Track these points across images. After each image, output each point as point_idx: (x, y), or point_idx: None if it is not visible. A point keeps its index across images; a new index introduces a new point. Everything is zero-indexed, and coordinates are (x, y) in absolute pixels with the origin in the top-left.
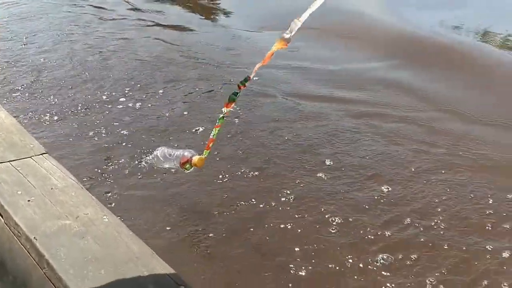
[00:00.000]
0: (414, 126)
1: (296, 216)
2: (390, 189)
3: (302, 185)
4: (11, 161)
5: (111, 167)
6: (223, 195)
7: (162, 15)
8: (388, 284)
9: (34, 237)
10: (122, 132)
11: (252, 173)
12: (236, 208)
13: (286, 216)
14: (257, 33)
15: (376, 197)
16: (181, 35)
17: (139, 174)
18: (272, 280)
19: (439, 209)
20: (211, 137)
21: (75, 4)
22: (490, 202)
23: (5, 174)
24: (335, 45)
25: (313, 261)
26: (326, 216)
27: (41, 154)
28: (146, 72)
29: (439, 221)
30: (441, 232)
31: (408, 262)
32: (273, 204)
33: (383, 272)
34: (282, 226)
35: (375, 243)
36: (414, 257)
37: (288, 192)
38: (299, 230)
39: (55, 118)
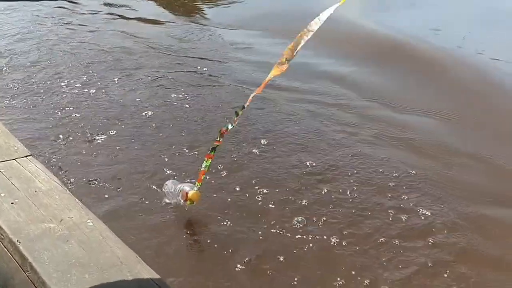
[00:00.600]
0: (344, 112)
1: (228, 186)
2: (314, 163)
3: (236, 159)
4: None
5: (61, 144)
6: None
7: (132, 9)
8: (300, 241)
9: (18, 240)
10: (74, 114)
11: (188, 149)
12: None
13: (218, 187)
14: (228, 30)
15: (300, 169)
16: (146, 28)
17: (83, 151)
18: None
19: (351, 179)
20: (202, 169)
21: None
22: (396, 174)
23: None
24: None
25: (240, 222)
26: (256, 187)
27: (25, 156)
28: (106, 61)
29: (349, 188)
30: (348, 194)
31: (319, 222)
32: (208, 177)
33: (298, 234)
34: (214, 194)
35: (293, 209)
36: (324, 218)
37: (221, 166)
38: (229, 199)
39: (9, 100)
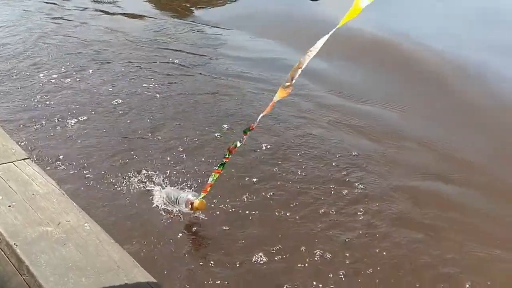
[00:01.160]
0: (304, 101)
1: (186, 164)
2: (269, 146)
3: (196, 141)
4: None
5: (33, 127)
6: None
7: (119, 6)
8: (248, 210)
9: (15, 243)
10: (48, 102)
11: (151, 133)
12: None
13: (177, 159)
14: (211, 27)
15: (256, 151)
16: (129, 23)
17: (52, 133)
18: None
19: (301, 159)
20: (209, 181)
21: None
22: (342, 155)
23: None
24: (263, 40)
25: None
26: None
27: (23, 159)
28: (86, 53)
29: (298, 166)
30: (293, 170)
31: (267, 196)
32: (172, 157)
33: (246, 205)
34: (184, 171)
35: (244, 185)
36: (271, 193)
37: (181, 148)
38: (190, 170)
39: None
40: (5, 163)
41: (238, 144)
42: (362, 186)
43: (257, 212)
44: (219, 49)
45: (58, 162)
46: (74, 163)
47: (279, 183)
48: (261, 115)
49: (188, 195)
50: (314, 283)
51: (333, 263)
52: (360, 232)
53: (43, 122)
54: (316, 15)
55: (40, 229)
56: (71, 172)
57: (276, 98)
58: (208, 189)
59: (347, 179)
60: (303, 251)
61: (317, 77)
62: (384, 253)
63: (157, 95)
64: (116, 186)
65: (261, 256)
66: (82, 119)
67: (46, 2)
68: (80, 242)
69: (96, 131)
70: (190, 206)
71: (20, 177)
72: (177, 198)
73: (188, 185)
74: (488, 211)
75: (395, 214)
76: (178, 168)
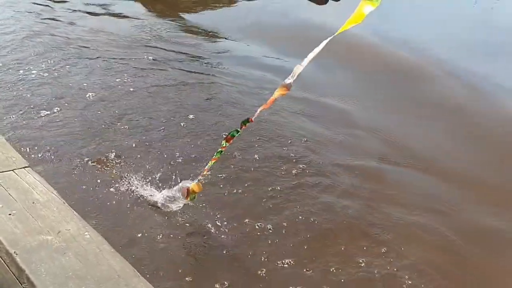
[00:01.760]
0: (268, 93)
1: (152, 150)
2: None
3: (164, 130)
4: None
5: (8, 115)
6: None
7: (109, 8)
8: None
9: (15, 252)
10: (24, 95)
11: (120, 123)
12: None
13: (142, 144)
14: (195, 28)
15: (216, 135)
16: (114, 23)
17: (26, 122)
18: None
19: (257, 144)
20: (206, 167)
21: None
22: (290, 142)
23: None
24: (247, 42)
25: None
26: (175, 145)
27: (23, 167)
28: (67, 51)
29: (252, 146)
30: (248, 151)
31: (223, 174)
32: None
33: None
34: (145, 155)
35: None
36: (235, 169)
37: (145, 137)
38: (151, 153)
39: None
40: (6, 171)
41: (236, 134)
42: (307, 164)
43: (211, 189)
44: (194, 49)
45: (28, 148)
46: (44, 148)
47: (237, 162)
48: (260, 108)
49: (185, 183)
50: (260, 249)
51: (276, 231)
52: (302, 203)
53: (20, 112)
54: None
55: (40, 238)
56: (39, 155)
57: (277, 94)
58: (205, 173)
59: (295, 159)
60: (248, 220)
61: (286, 73)
62: (323, 219)
63: (130, 88)
64: (80, 167)
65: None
66: (56, 110)
67: (38, 4)
68: (80, 251)
69: (67, 121)
70: (186, 193)
71: (20, 185)
72: (174, 191)
73: (149, 165)
74: (420, 188)
75: (337, 188)
76: (142, 151)
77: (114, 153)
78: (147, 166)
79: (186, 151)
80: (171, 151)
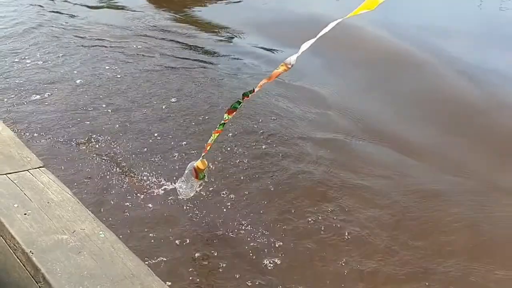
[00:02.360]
0: (250, 78)
1: (132, 126)
2: (208, 105)
3: (144, 111)
4: (8, 173)
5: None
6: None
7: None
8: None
9: (31, 251)
10: (17, 81)
11: (105, 105)
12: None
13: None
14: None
15: (192, 116)
16: (113, 14)
17: (17, 106)
18: None
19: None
20: (209, 141)
21: None
22: (261, 120)
23: (2, 186)
24: (245, 35)
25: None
26: (155, 128)
27: (38, 167)
28: (62, 41)
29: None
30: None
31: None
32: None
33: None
34: (126, 134)
35: (176, 142)
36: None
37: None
38: (134, 133)
39: None
40: (21, 171)
41: (238, 106)
42: (276, 137)
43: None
44: (180, 38)
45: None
46: (34, 129)
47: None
48: (263, 81)
49: (191, 166)
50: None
51: (240, 196)
52: (268, 171)
53: (12, 96)
54: None
55: (55, 237)
56: (29, 136)
57: (280, 69)
58: (208, 148)
59: (266, 133)
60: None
61: (269, 61)
62: (285, 182)
63: (118, 75)
64: (68, 145)
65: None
66: (46, 95)
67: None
68: (95, 250)
69: (56, 104)
70: (195, 174)
71: (35, 185)
72: (186, 176)
73: (131, 144)
74: (375, 158)
75: (300, 156)
76: (123, 131)
77: (95, 133)
78: (124, 143)
79: (165, 131)
80: (149, 130)
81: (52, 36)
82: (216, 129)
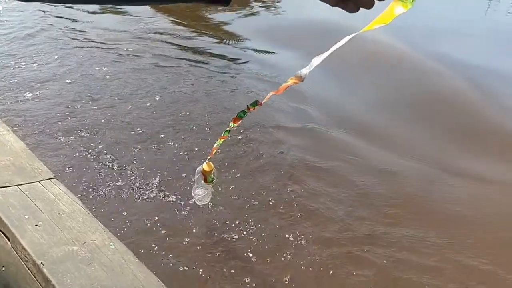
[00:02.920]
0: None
1: (117, 120)
2: (191, 89)
3: (130, 108)
4: (19, 185)
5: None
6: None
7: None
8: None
9: (41, 262)
10: (11, 80)
11: (91, 102)
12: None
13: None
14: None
15: (178, 99)
16: (109, 19)
17: (11, 101)
18: None
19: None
20: (214, 146)
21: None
22: (239, 101)
23: (13, 198)
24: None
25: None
26: (137, 122)
27: (49, 178)
28: (58, 44)
29: (201, 109)
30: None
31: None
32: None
33: (160, 150)
34: (109, 127)
35: (153, 133)
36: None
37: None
38: (117, 126)
39: None
40: (32, 182)
41: (243, 115)
42: (253, 127)
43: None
44: (169, 38)
45: (14, 121)
46: (27, 124)
47: (189, 123)
48: (270, 94)
49: (199, 171)
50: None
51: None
52: (241, 154)
53: (5, 94)
54: None
55: (66, 249)
56: (20, 129)
57: (290, 82)
58: (213, 152)
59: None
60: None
61: (262, 62)
62: (256, 162)
63: (107, 76)
64: (55, 136)
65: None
66: (37, 93)
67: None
68: (106, 261)
69: (46, 101)
70: (204, 177)
71: (46, 196)
72: (197, 180)
73: (111, 136)
74: (340, 144)
75: (273, 143)
76: (105, 124)
77: (84, 128)
78: (106, 136)
79: (148, 126)
80: (132, 126)
81: (51, 39)
82: (222, 135)
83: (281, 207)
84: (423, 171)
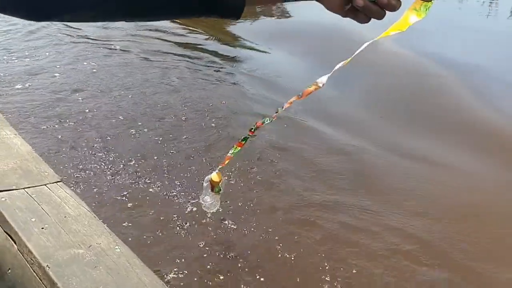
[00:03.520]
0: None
1: (97, 111)
2: (179, 79)
3: (113, 100)
4: (26, 188)
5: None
6: None
7: None
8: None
9: (47, 265)
10: (3, 73)
11: (72, 93)
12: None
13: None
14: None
15: (151, 98)
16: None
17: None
18: None
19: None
20: (229, 154)
21: None
22: (212, 104)
23: (20, 201)
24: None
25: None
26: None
27: (56, 182)
28: (50, 40)
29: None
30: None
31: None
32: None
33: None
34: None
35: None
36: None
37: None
38: (97, 114)
39: None
40: (38, 185)
41: (267, 121)
42: (224, 115)
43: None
44: (160, 34)
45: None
46: (14, 113)
47: (165, 115)
48: (292, 98)
49: (208, 179)
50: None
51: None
52: (214, 136)
53: None
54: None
55: (72, 252)
56: (10, 117)
57: (312, 88)
58: (226, 162)
59: (214, 111)
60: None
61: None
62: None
63: (94, 70)
64: (40, 124)
65: None
66: (27, 84)
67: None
68: (111, 265)
69: (34, 91)
70: (211, 186)
71: (52, 199)
72: (205, 189)
73: (92, 122)
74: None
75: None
76: (84, 115)
77: (61, 116)
78: (85, 125)
79: (127, 113)
80: (115, 115)
81: (47, 35)
82: (239, 141)
83: (245, 181)
84: (374, 152)
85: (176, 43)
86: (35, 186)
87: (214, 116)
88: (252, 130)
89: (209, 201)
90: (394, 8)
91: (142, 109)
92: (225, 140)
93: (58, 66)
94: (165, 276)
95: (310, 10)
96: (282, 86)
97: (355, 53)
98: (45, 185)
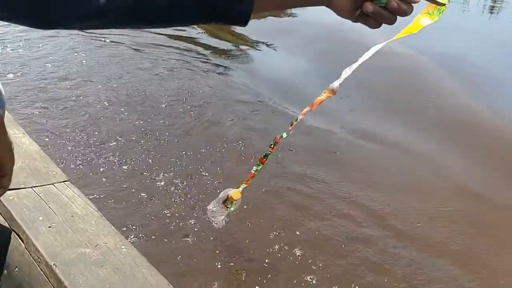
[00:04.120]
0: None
1: (83, 100)
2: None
3: (101, 88)
4: (33, 187)
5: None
6: None
7: None
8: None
9: (54, 264)
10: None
11: (60, 81)
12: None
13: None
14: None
15: (155, 80)
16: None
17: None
18: None
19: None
20: (252, 171)
21: None
22: (190, 93)
23: (28, 200)
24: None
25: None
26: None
27: (63, 181)
28: (44, 33)
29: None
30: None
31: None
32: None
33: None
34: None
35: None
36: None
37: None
38: (83, 100)
39: None
40: (46, 184)
41: (284, 135)
42: (204, 109)
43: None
44: (156, 31)
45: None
46: (18, 96)
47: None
48: (306, 109)
49: (225, 193)
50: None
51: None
52: (193, 124)
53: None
54: None
55: (79, 251)
56: (21, 102)
57: (324, 96)
58: (249, 180)
59: (197, 106)
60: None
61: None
62: (212, 138)
63: (83, 61)
64: (27, 108)
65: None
66: (19, 73)
67: None
68: (117, 264)
69: (25, 80)
70: (225, 199)
71: (60, 198)
72: (218, 201)
73: (76, 110)
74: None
75: (230, 121)
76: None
77: (49, 101)
78: (68, 110)
79: (111, 100)
80: (100, 102)
81: (43, 36)
82: (261, 158)
83: (228, 155)
84: (340, 134)
85: (170, 35)
86: (43, 185)
87: (196, 103)
88: (272, 146)
89: (215, 211)
90: (405, 13)
91: (123, 98)
92: (204, 124)
93: (51, 57)
94: None
95: (311, 10)
96: (269, 79)
97: (365, 57)
98: (52, 184)
